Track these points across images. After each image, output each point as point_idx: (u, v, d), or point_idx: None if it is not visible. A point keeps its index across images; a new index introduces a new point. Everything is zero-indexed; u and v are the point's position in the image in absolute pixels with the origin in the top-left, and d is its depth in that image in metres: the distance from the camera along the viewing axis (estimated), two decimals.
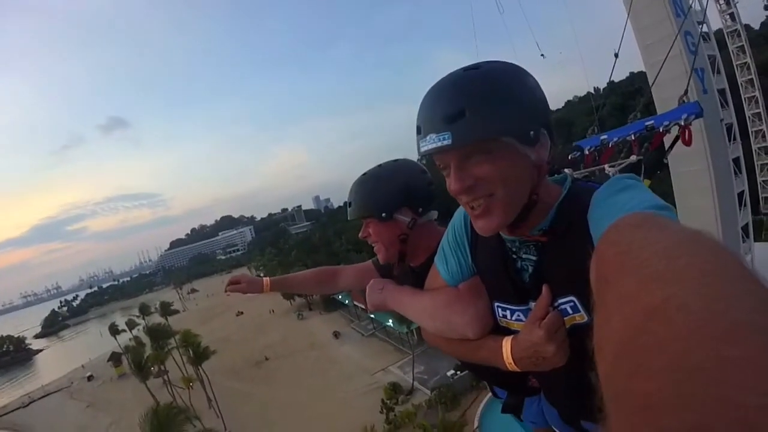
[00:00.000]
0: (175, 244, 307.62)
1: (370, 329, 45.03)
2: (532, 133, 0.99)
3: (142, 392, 41.07)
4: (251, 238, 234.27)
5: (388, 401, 28.55)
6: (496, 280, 1.24)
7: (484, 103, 0.96)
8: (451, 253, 1.34)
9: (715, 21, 28.61)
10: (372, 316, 42.85)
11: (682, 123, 5.95)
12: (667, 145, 6.16)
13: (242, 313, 73.90)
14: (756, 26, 51.53)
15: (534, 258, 1.15)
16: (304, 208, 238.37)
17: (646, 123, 6.20)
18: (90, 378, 60.95)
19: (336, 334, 47.82)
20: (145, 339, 47.43)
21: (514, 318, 1.23)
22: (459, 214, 1.34)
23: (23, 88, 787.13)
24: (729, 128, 19.76)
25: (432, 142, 0.99)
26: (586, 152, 6.87)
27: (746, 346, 0.29)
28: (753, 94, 28.40)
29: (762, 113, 28.62)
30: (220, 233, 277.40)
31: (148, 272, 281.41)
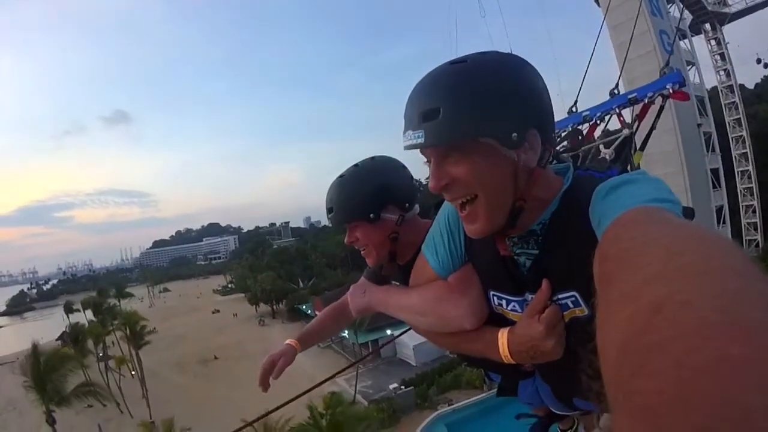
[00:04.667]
0: (158, 243, 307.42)
1: (327, 341, 43.49)
2: (515, 135, 0.94)
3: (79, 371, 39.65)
4: (234, 248, 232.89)
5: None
6: (493, 270, 1.20)
7: (461, 102, 0.93)
8: (442, 242, 1.27)
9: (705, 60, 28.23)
10: None
11: (670, 91, 5.49)
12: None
13: (218, 311, 75.71)
14: (750, 86, 50.65)
15: (534, 252, 1.12)
16: (294, 226, 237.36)
17: (629, 96, 5.90)
18: None
19: None
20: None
21: (509, 308, 1.20)
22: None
23: (37, 68, 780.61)
24: (708, 140, 19.13)
25: (409, 138, 0.99)
26: (569, 128, 6.54)
27: (751, 345, 0.29)
28: (740, 134, 27.56)
29: (749, 153, 27.62)
30: (204, 239, 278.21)
31: (125, 267, 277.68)
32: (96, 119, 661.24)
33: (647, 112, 5.81)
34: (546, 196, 1.05)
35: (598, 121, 6.50)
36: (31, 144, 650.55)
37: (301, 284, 66.73)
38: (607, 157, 5.13)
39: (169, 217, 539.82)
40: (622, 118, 6.04)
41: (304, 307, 54.42)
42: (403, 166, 1.68)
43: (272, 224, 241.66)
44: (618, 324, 0.39)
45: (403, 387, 26.89)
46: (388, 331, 34.75)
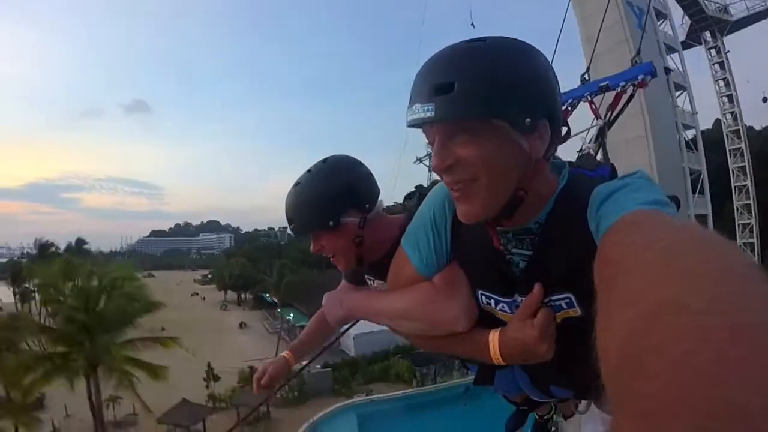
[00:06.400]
0: (155, 233, 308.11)
1: (277, 327, 43.20)
2: (528, 120, 0.87)
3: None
4: (229, 246, 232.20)
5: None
6: (483, 269, 1.14)
7: (477, 79, 0.86)
8: (426, 238, 1.17)
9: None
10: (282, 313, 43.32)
11: (639, 81, 4.83)
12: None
13: (197, 294, 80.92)
14: (758, 127, 47.01)
15: (528, 252, 1.06)
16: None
17: (600, 84, 5.39)
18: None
19: (242, 325, 48.13)
20: None
21: (498, 308, 1.16)
22: (439, 194, 1.15)
23: (64, 45, 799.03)
24: (688, 143, 17.41)
25: (416, 112, 0.90)
26: None
27: (749, 347, 0.29)
28: (739, 146, 25.71)
29: (747, 168, 25.52)
30: (201, 234, 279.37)
31: (117, 252, 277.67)
32: (115, 105, 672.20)
33: (620, 102, 5.56)
34: (544, 192, 1.00)
35: (569, 108, 6.16)
36: (47, 120, 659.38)
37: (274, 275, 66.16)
38: (591, 152, 4.57)
39: (173, 211, 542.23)
40: (593, 106, 5.73)
41: (267, 295, 54.31)
42: (360, 163, 1.55)
43: (271, 229, 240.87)
44: (618, 328, 0.39)
45: (319, 367, 24.73)
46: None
